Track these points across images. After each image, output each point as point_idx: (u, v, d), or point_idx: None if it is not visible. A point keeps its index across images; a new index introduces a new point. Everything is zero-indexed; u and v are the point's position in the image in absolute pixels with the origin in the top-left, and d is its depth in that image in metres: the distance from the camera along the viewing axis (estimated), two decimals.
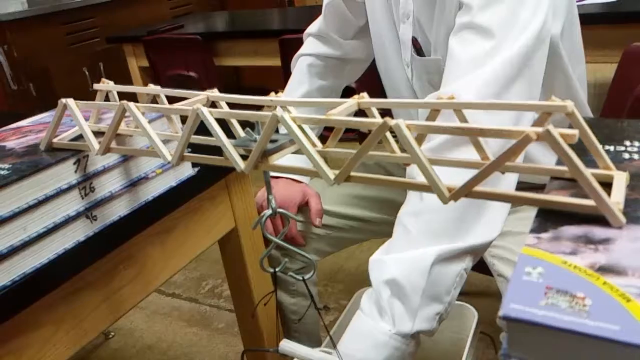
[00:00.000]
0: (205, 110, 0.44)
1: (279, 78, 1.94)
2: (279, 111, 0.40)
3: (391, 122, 0.37)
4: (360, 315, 0.67)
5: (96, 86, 0.61)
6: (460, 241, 0.65)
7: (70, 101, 0.55)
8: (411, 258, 0.64)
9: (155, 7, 3.43)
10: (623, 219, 0.32)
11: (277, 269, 0.64)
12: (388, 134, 0.40)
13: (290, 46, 1.81)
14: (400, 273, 0.63)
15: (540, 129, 0.32)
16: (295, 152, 0.47)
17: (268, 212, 0.56)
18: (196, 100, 0.52)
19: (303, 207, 0.94)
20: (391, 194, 0.99)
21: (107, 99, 0.61)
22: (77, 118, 0.54)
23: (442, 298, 0.66)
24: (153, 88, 0.57)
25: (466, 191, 0.36)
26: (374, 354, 0.64)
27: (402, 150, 0.42)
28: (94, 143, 0.53)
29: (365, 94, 0.44)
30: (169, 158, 0.48)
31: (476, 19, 0.68)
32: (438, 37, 0.80)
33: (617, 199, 0.33)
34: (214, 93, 0.52)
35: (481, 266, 0.83)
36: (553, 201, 0.34)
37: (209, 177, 0.73)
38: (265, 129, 0.41)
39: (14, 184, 0.51)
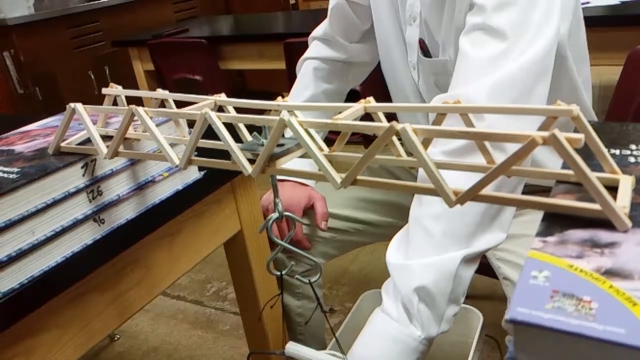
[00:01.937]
0: (214, 115, 0.44)
1: (283, 81, 1.95)
2: (285, 115, 0.41)
3: (398, 126, 0.37)
4: (386, 319, 0.66)
5: (104, 90, 0.62)
6: (479, 244, 0.65)
7: (79, 106, 0.56)
8: (438, 264, 0.63)
9: (159, 11, 3.45)
10: (629, 223, 0.32)
11: (283, 272, 0.65)
12: (394, 138, 0.40)
13: (295, 49, 1.81)
14: (429, 280, 0.63)
15: (546, 134, 0.33)
16: (302, 156, 0.47)
17: (275, 215, 0.57)
18: (204, 105, 0.52)
19: (309, 211, 0.95)
20: (397, 197, 0.99)
21: (114, 103, 0.62)
22: (86, 122, 0.54)
23: (460, 300, 0.66)
24: (161, 93, 0.58)
25: (472, 195, 0.37)
26: (404, 359, 0.64)
27: (408, 154, 0.43)
28: (102, 147, 0.53)
29: (371, 98, 0.44)
30: (177, 162, 0.49)
31: (489, 21, 0.67)
32: (447, 38, 0.79)
33: (623, 202, 0.34)
34: (222, 97, 0.53)
35: (486, 269, 0.83)
36: (559, 205, 0.35)
37: (215, 181, 0.73)
38: (272, 133, 0.42)
39: (23, 188, 0.52)
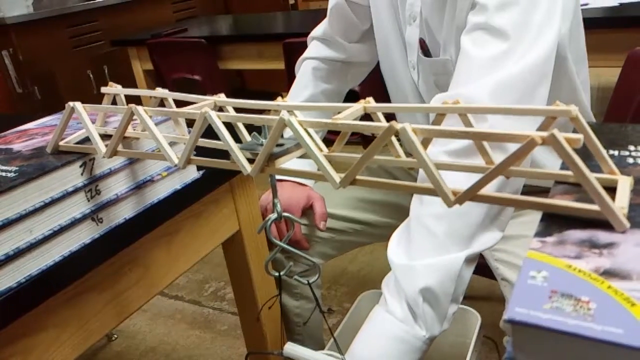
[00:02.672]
0: (214, 114, 0.44)
1: (282, 81, 1.95)
2: (285, 115, 0.41)
3: (397, 126, 0.37)
4: (390, 319, 0.66)
5: (104, 89, 0.61)
6: (479, 244, 0.65)
7: (78, 104, 0.55)
8: (442, 265, 0.63)
9: (159, 11, 3.45)
10: (627, 224, 0.32)
11: (282, 273, 0.65)
12: (393, 138, 0.40)
13: (294, 49, 1.81)
14: (434, 281, 0.63)
15: (545, 134, 0.33)
16: (301, 157, 0.47)
17: (273, 216, 0.57)
18: (203, 105, 0.52)
19: (307, 211, 0.95)
20: (395, 198, 0.99)
21: (113, 102, 0.62)
22: (85, 121, 0.54)
23: (459, 299, 0.66)
24: (161, 92, 0.57)
25: (471, 195, 0.37)
26: (407, 358, 0.64)
27: (407, 154, 0.43)
28: (101, 146, 0.53)
29: (371, 99, 0.44)
30: (176, 161, 0.48)
31: (491, 21, 0.67)
32: (448, 38, 0.79)
33: (621, 203, 0.34)
34: (221, 98, 0.52)
35: (484, 270, 0.83)
36: (557, 205, 0.35)
37: (214, 181, 0.73)
38: (272, 132, 0.42)
39: (21, 187, 0.52)
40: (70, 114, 0.56)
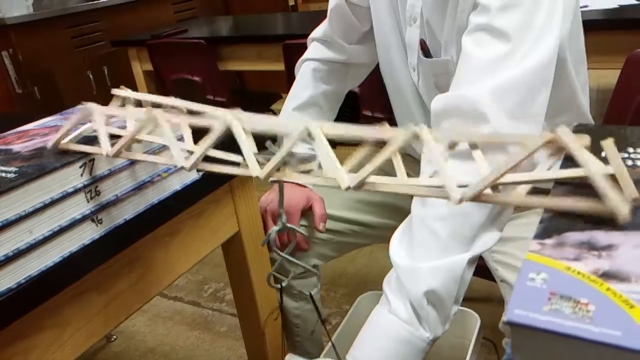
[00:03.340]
0: (234, 120, 0.45)
1: (282, 82, 1.95)
2: (308, 123, 0.41)
3: (416, 129, 0.37)
4: (394, 320, 0.65)
5: (114, 91, 0.61)
6: (481, 244, 0.65)
7: (94, 105, 0.55)
8: (446, 267, 0.63)
9: (159, 12, 3.45)
10: (629, 217, 0.32)
11: (283, 284, 0.64)
12: (399, 158, 0.41)
13: (293, 51, 1.81)
14: (438, 283, 0.63)
15: (551, 135, 0.33)
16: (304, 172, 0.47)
17: (276, 227, 0.56)
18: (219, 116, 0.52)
19: (307, 212, 0.95)
20: (394, 199, 0.99)
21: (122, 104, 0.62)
22: (99, 123, 0.54)
23: (460, 300, 0.67)
24: (172, 100, 0.57)
25: (476, 193, 0.37)
26: None
27: (404, 155, 0.43)
28: (108, 146, 0.53)
29: (386, 124, 0.45)
30: (184, 164, 0.49)
31: (493, 22, 0.67)
32: (450, 38, 0.79)
33: (630, 191, 0.33)
34: (237, 112, 0.52)
35: (484, 272, 0.83)
36: (561, 204, 0.35)
37: (213, 181, 0.74)
38: (292, 138, 0.42)
39: (20, 188, 0.52)
40: (82, 114, 0.56)
